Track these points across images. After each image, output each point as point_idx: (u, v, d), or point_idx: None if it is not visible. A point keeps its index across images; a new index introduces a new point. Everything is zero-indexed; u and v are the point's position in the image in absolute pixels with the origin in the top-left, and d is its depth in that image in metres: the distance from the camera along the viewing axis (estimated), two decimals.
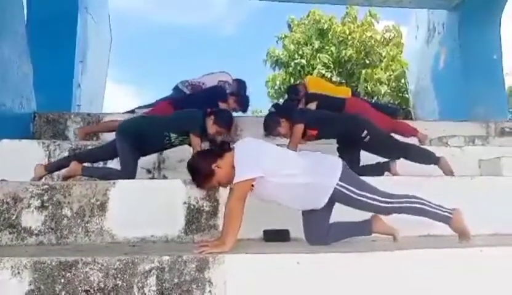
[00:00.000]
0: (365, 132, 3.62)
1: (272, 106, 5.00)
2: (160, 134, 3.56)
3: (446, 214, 2.52)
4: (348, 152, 3.58)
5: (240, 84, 5.39)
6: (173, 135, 3.56)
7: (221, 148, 2.46)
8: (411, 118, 6.27)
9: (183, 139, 3.62)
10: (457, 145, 4.64)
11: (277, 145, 2.73)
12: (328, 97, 4.82)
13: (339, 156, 3.23)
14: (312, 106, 4.59)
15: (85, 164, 3.58)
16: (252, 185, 2.36)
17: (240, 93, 5.01)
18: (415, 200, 2.49)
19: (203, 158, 2.48)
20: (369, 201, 2.42)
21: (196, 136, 3.52)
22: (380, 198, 2.42)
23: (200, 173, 2.42)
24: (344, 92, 5.38)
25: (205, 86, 5.18)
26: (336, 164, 2.49)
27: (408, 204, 2.47)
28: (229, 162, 2.37)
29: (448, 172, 3.64)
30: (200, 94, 4.90)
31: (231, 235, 2.21)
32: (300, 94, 5.30)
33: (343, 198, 2.43)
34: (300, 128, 3.70)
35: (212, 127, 3.61)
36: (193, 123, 3.58)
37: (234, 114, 4.94)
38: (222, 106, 4.64)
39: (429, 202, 2.51)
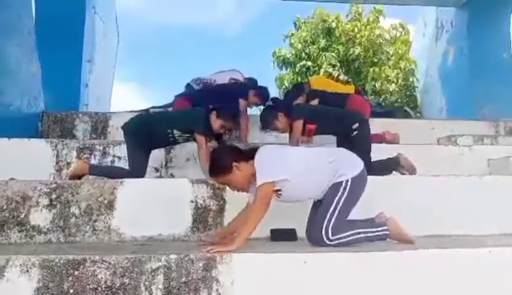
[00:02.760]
0: (357, 124, 3.60)
1: (271, 99, 5.00)
2: (163, 131, 3.57)
3: (384, 232, 2.45)
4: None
5: (252, 82, 5.39)
6: (176, 132, 3.58)
7: (251, 153, 2.46)
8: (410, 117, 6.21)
9: (187, 137, 3.63)
10: (466, 144, 4.61)
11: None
12: (329, 93, 4.81)
13: None
14: (314, 102, 4.59)
15: (93, 163, 3.62)
16: (278, 191, 2.39)
17: (258, 87, 4.98)
18: (358, 231, 2.41)
19: (227, 151, 2.51)
20: (326, 221, 2.35)
21: (201, 135, 3.52)
22: (330, 232, 2.34)
23: (218, 162, 2.43)
24: (348, 90, 5.36)
25: (216, 83, 5.18)
26: (360, 162, 2.53)
27: (351, 238, 2.38)
28: (250, 170, 2.38)
29: (410, 168, 3.63)
30: (219, 89, 4.85)
31: (242, 235, 2.21)
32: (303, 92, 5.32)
33: (330, 195, 2.40)
34: (299, 123, 3.71)
35: (215, 122, 3.61)
36: (197, 121, 3.58)
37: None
38: (242, 102, 4.63)
39: (368, 228, 2.46)
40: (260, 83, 5.34)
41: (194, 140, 3.62)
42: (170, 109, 4.89)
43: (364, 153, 3.55)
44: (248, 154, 2.45)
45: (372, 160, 3.61)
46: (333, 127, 3.78)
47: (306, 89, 5.25)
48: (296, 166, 2.42)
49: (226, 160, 2.40)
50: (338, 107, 4.19)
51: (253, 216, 2.27)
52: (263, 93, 4.90)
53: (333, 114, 3.86)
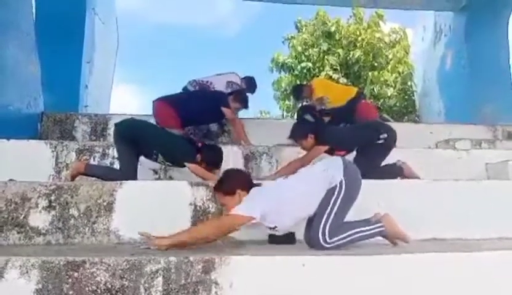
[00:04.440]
0: (385, 135, 3.61)
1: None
2: (150, 148, 3.57)
3: (379, 229, 2.51)
4: (366, 155, 3.58)
5: (250, 82, 5.37)
6: (160, 157, 3.59)
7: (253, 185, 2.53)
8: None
9: (169, 164, 3.70)
10: (464, 148, 4.63)
11: None
12: (338, 108, 4.83)
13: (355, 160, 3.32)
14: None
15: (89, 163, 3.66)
16: (275, 228, 2.48)
17: (237, 91, 4.89)
18: (355, 231, 2.46)
19: (238, 176, 2.58)
20: (323, 224, 2.39)
21: (193, 163, 3.47)
22: (328, 235, 2.38)
23: (225, 181, 2.54)
24: (350, 92, 5.41)
25: (212, 86, 5.12)
26: (338, 161, 2.60)
27: (349, 239, 2.43)
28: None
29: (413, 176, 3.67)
30: (201, 100, 4.66)
31: (182, 239, 2.25)
32: (303, 95, 5.41)
33: (326, 199, 2.44)
34: (321, 149, 3.59)
35: (202, 165, 3.52)
36: (186, 157, 3.52)
37: (241, 115, 4.95)
38: (227, 111, 4.56)
39: (364, 227, 2.50)
40: (258, 84, 5.36)
41: (178, 166, 3.67)
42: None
43: (377, 159, 3.63)
44: (253, 186, 2.51)
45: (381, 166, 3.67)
46: (362, 144, 3.71)
47: (306, 92, 5.30)
48: (287, 199, 2.44)
49: (233, 183, 2.50)
50: (349, 116, 4.33)
51: (204, 233, 2.32)
52: (241, 97, 4.78)
53: (361, 133, 3.81)
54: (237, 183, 2.50)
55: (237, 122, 4.71)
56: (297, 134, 3.71)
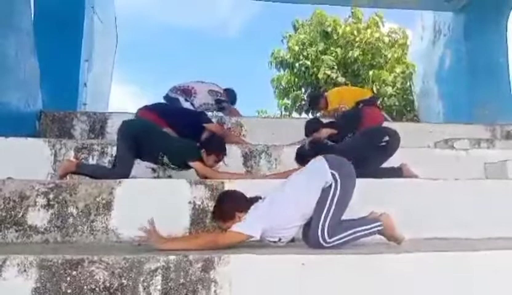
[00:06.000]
0: (387, 137, 3.62)
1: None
2: (156, 150, 3.49)
3: (377, 228, 2.52)
4: (367, 157, 3.56)
5: (230, 94, 5.40)
6: (166, 159, 3.50)
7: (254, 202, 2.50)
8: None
9: (174, 167, 3.59)
10: (463, 147, 4.63)
11: None
12: (344, 120, 4.81)
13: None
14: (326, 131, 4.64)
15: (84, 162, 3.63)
16: (280, 241, 2.46)
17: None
18: (354, 231, 2.47)
19: (233, 200, 2.53)
20: (321, 222, 2.39)
21: (196, 161, 3.42)
22: (327, 234, 2.38)
23: (222, 209, 2.51)
24: (362, 93, 5.57)
25: (194, 90, 5.08)
26: (343, 159, 2.61)
27: (348, 238, 2.44)
28: None
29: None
30: (183, 115, 4.60)
31: (179, 247, 2.23)
32: (319, 106, 5.64)
33: (323, 197, 2.44)
34: None
35: (208, 159, 3.48)
36: (190, 154, 3.48)
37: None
38: (213, 126, 4.51)
39: (362, 226, 2.50)
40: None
41: (183, 167, 3.56)
42: None
43: (379, 160, 3.63)
44: (252, 204, 2.48)
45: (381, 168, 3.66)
46: (365, 153, 3.63)
47: (322, 104, 5.51)
48: (286, 213, 2.44)
49: (229, 209, 2.47)
50: (355, 124, 4.32)
51: (202, 242, 2.31)
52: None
53: (362, 145, 3.74)
54: (233, 208, 2.47)
55: (226, 131, 4.68)
56: (299, 162, 3.70)
